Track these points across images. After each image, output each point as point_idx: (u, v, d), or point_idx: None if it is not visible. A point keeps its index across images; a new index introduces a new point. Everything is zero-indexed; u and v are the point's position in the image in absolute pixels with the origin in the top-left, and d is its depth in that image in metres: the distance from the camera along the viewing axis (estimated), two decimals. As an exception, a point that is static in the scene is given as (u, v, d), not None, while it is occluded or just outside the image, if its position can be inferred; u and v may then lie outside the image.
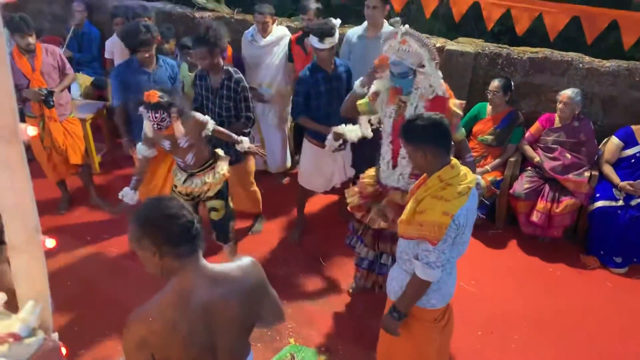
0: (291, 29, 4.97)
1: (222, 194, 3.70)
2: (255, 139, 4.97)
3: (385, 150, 3.24)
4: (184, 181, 3.61)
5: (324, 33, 3.65)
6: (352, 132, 3.58)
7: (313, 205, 4.88)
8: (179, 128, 3.29)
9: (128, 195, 3.54)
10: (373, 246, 3.41)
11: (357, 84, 3.32)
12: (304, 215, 4.53)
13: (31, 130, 1.27)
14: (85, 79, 5.69)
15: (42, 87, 4.18)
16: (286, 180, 5.27)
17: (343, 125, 3.61)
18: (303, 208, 4.51)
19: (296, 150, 5.41)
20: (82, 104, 5.41)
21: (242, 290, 1.81)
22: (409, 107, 3.05)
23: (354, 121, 3.59)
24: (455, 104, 3.07)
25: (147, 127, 3.36)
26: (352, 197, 3.42)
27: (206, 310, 1.73)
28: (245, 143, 3.69)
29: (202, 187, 3.60)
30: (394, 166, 3.20)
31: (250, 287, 1.84)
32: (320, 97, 3.87)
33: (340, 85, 3.93)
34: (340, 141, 3.67)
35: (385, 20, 4.29)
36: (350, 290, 3.87)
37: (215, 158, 3.67)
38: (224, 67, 3.84)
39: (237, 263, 1.88)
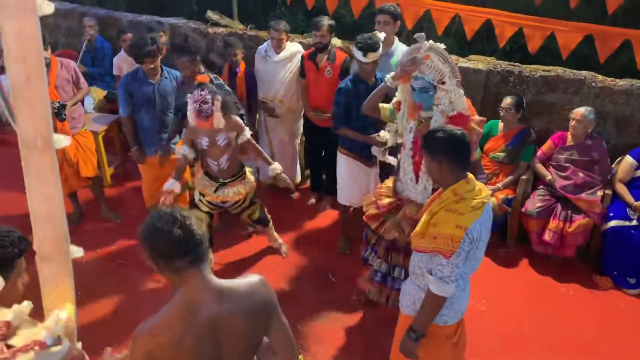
0: (303, 45, 5.01)
1: (254, 200, 4.00)
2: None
3: (407, 164, 3.23)
4: (215, 191, 3.76)
5: (368, 48, 3.69)
6: (390, 139, 3.65)
7: (322, 220, 4.88)
8: (219, 118, 3.45)
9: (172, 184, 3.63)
10: (386, 258, 3.40)
11: (388, 77, 3.27)
12: (349, 226, 4.50)
13: (66, 141, 1.30)
14: (98, 93, 5.75)
15: (55, 100, 4.23)
16: (296, 194, 5.27)
17: (382, 131, 3.69)
18: (347, 223, 4.51)
19: (306, 165, 5.43)
20: (95, 117, 5.46)
21: (249, 306, 1.80)
22: (432, 124, 3.03)
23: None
24: (476, 122, 3.08)
25: (190, 117, 3.48)
26: (368, 206, 3.41)
27: (212, 325, 1.73)
28: (276, 168, 3.85)
29: (234, 196, 3.79)
30: (417, 180, 3.19)
31: (257, 304, 1.83)
32: (360, 108, 3.86)
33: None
34: (386, 146, 3.73)
35: (396, 37, 4.30)
36: (354, 297, 3.86)
37: (244, 170, 3.87)
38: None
39: (246, 279, 1.87)
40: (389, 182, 3.42)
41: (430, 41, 2.99)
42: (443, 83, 2.97)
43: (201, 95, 3.37)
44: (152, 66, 4.09)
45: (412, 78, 3.03)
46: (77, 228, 4.70)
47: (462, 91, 3.06)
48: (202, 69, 3.99)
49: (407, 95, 3.16)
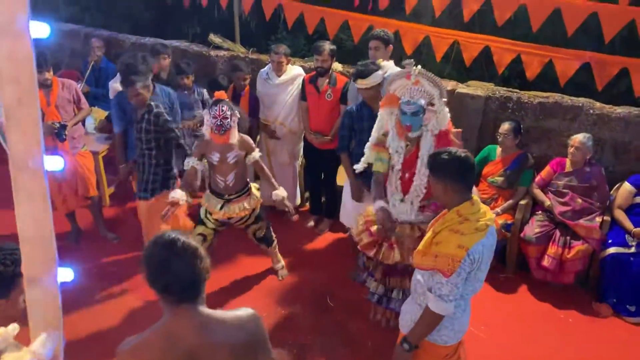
0: (304, 69, 5.07)
1: (260, 216, 4.05)
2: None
3: (396, 185, 3.28)
4: (221, 207, 3.82)
5: (357, 74, 3.88)
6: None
7: (318, 243, 4.85)
8: (235, 134, 3.62)
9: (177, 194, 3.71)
10: (384, 281, 3.41)
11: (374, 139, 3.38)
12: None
13: (58, 163, 1.30)
14: (100, 113, 5.79)
15: (56, 120, 4.26)
16: (295, 217, 5.25)
17: None
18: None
19: (305, 187, 5.43)
20: (96, 137, 5.49)
21: (235, 341, 1.78)
22: (423, 143, 3.14)
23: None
24: (454, 134, 3.17)
25: (206, 132, 3.63)
26: (360, 234, 3.42)
27: (191, 356, 1.72)
28: (280, 193, 3.87)
29: (239, 212, 3.84)
30: (403, 199, 3.25)
31: (244, 339, 1.80)
32: (363, 132, 3.93)
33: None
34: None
35: (391, 62, 4.34)
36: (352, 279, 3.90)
37: (249, 186, 3.94)
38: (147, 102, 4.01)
39: (236, 313, 1.85)
40: (371, 209, 3.40)
41: (419, 66, 3.09)
42: (432, 105, 3.08)
43: (222, 110, 3.50)
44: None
45: (402, 103, 3.10)
46: (74, 247, 4.70)
47: (447, 110, 3.16)
48: (147, 96, 4.01)
49: (394, 118, 3.23)
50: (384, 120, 3.31)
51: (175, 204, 3.62)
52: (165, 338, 1.72)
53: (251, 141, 3.85)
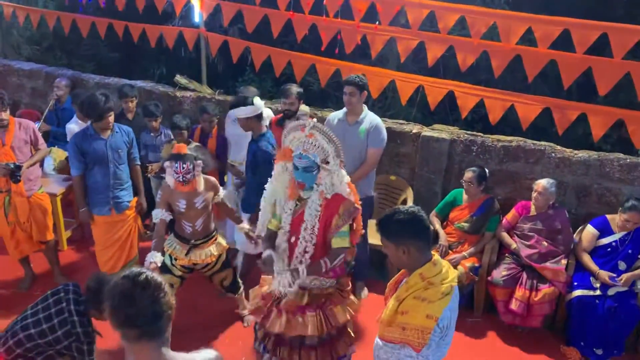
0: (272, 111, 5.05)
1: (227, 263, 3.95)
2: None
3: (282, 248, 3.07)
4: (187, 253, 3.71)
5: (232, 105, 4.05)
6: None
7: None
8: (201, 182, 3.56)
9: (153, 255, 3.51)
10: (275, 352, 3.17)
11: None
12: None
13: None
14: (60, 154, 5.60)
15: (10, 161, 4.10)
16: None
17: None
18: None
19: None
20: (55, 179, 5.29)
21: None
22: (309, 204, 2.93)
23: None
24: (346, 208, 2.90)
25: (170, 182, 3.53)
26: (255, 298, 3.25)
27: None
28: (244, 227, 3.81)
29: (205, 259, 3.74)
30: (289, 264, 3.04)
31: None
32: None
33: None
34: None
35: (365, 106, 4.37)
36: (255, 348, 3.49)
37: (216, 232, 3.87)
38: None
39: (201, 354, 1.84)
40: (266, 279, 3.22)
41: (314, 119, 2.94)
42: (327, 163, 2.88)
43: (183, 168, 3.43)
44: (110, 119, 4.11)
45: (295, 156, 2.89)
46: (27, 294, 4.44)
47: (344, 173, 2.98)
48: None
49: (285, 179, 3.04)
50: (278, 177, 3.08)
51: (152, 265, 3.43)
52: None
53: (216, 182, 3.79)
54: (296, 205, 3.02)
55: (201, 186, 3.58)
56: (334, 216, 2.90)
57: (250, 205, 3.92)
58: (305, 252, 2.97)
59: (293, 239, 3.02)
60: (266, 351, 3.22)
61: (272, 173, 3.13)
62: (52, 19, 6.94)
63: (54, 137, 5.71)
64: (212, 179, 3.77)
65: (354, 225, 2.99)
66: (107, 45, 8.58)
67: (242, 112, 3.97)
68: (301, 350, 3.10)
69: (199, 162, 3.51)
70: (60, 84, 5.87)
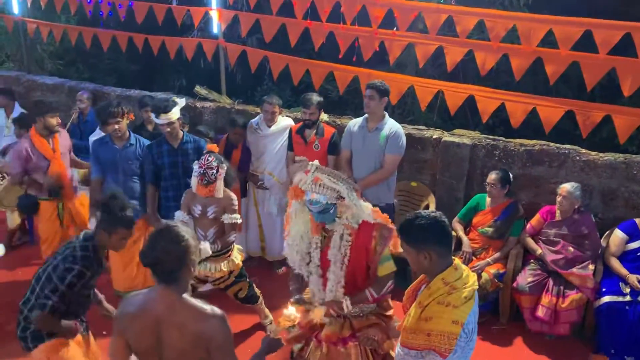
0: (292, 119, 5.06)
1: (242, 275, 3.93)
2: (250, 223, 5.08)
3: (315, 281, 3.00)
4: (199, 263, 3.67)
5: (159, 110, 4.05)
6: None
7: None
8: (219, 188, 3.58)
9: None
10: None
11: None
12: None
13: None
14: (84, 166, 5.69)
15: (62, 170, 4.43)
16: (282, 269, 5.13)
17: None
18: None
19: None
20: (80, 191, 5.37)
21: (191, 330, 2.03)
22: (335, 235, 2.85)
23: None
24: (380, 232, 2.84)
25: (193, 183, 3.61)
26: (288, 325, 3.09)
27: (158, 324, 2.05)
28: (207, 248, 3.57)
29: (215, 273, 3.75)
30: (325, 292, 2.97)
31: (197, 332, 2.03)
32: (164, 169, 4.17)
33: (186, 160, 4.14)
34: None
35: (386, 113, 4.35)
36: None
37: (231, 248, 3.84)
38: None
39: (205, 307, 2.09)
40: (289, 312, 3.08)
41: (316, 161, 2.85)
42: (342, 199, 2.78)
43: (208, 160, 3.49)
44: (116, 127, 4.22)
45: (307, 202, 2.80)
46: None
47: (365, 203, 2.91)
48: None
49: (305, 211, 2.92)
50: (298, 214, 2.98)
51: None
52: (143, 303, 2.10)
53: (235, 203, 3.73)
54: (323, 238, 2.95)
55: (219, 194, 3.60)
56: (369, 242, 2.83)
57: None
58: (341, 286, 2.91)
59: (326, 272, 2.94)
60: None
61: (289, 211, 3.03)
62: (74, 34, 7.09)
63: (77, 150, 5.77)
64: (233, 196, 3.74)
65: (391, 247, 2.90)
66: (127, 58, 8.72)
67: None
68: None
69: (224, 166, 3.58)
70: (82, 97, 5.97)
